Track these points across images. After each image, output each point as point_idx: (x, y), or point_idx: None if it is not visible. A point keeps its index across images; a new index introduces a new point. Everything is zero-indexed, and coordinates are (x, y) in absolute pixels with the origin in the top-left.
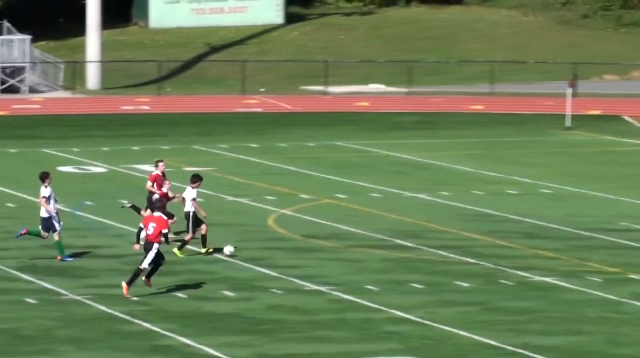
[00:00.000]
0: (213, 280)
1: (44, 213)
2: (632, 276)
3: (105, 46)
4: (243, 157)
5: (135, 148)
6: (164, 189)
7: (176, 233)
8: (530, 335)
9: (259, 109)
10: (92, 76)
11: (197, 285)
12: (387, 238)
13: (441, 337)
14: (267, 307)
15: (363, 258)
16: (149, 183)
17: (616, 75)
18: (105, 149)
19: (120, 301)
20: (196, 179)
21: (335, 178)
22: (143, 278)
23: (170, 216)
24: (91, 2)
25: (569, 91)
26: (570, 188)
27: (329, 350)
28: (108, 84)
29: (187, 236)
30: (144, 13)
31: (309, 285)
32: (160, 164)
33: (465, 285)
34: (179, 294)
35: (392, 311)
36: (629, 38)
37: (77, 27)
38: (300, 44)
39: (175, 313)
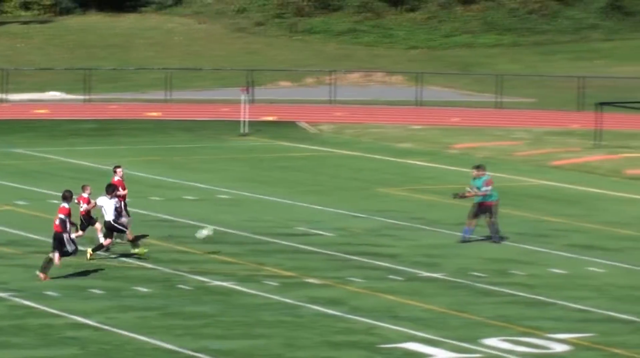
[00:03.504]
0: None
1: None
2: (308, 280)
3: None
4: None
5: None
6: (85, 195)
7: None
8: (208, 339)
9: None
10: None
11: None
12: None
13: (120, 341)
14: None
15: None
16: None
17: (290, 81)
18: None
19: None
20: (112, 189)
21: (15, 184)
22: (50, 259)
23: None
24: None
25: (243, 97)
26: (246, 193)
27: (8, 356)
28: None
29: (105, 242)
30: None
31: None
32: (119, 170)
33: (144, 290)
34: None
35: (72, 316)
36: (302, 45)
37: None
38: None
39: None
